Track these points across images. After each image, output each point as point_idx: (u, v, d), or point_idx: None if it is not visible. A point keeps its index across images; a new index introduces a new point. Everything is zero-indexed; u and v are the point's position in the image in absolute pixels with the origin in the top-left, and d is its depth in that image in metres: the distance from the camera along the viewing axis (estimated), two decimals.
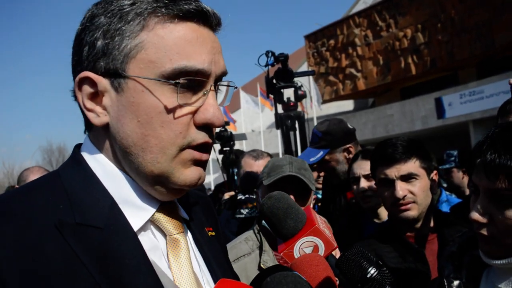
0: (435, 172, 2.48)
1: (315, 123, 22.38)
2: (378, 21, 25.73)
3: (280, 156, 3.15)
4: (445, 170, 6.21)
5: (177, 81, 0.98)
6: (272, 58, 4.14)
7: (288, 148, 4.38)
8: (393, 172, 2.36)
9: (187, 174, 1.04)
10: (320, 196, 5.19)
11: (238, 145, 22.71)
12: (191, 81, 1.00)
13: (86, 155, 1.07)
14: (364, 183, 3.00)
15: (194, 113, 1.02)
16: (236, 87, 1.16)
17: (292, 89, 4.37)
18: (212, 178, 24.70)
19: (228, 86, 1.14)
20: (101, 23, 1.00)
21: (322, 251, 1.30)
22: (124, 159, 1.03)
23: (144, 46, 0.98)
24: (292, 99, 4.39)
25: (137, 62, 0.98)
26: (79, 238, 0.93)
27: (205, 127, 1.04)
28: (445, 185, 6.15)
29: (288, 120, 4.33)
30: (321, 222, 1.37)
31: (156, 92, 0.98)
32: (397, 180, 2.35)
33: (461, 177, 6.10)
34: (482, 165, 1.43)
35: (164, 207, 1.10)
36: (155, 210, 1.07)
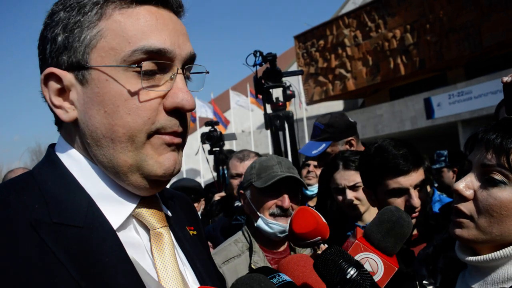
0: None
1: (305, 123, 22.44)
2: (368, 22, 25.84)
3: None
4: (436, 170, 6.25)
5: (139, 64, 0.95)
6: (260, 58, 4.10)
7: (277, 148, 4.36)
8: (408, 181, 2.37)
9: (161, 161, 1.00)
10: (310, 193, 5.19)
11: (228, 145, 22.68)
12: (155, 64, 0.97)
13: (60, 154, 1.06)
14: (350, 195, 2.99)
15: (162, 97, 0.99)
16: (207, 72, 1.12)
17: (281, 89, 4.35)
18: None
19: (199, 72, 1.11)
20: (60, 18, 0.99)
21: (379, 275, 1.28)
22: (97, 153, 1.00)
23: (103, 34, 0.96)
24: (281, 99, 4.36)
25: (98, 51, 0.96)
26: (56, 237, 0.90)
27: (175, 111, 1.00)
28: (436, 184, 6.19)
29: (277, 120, 4.30)
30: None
31: (120, 79, 0.96)
32: (411, 189, 2.36)
33: (451, 177, 6.15)
34: (485, 141, 1.43)
35: (145, 201, 1.07)
36: (135, 204, 1.04)
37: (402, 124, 22.65)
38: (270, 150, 19.85)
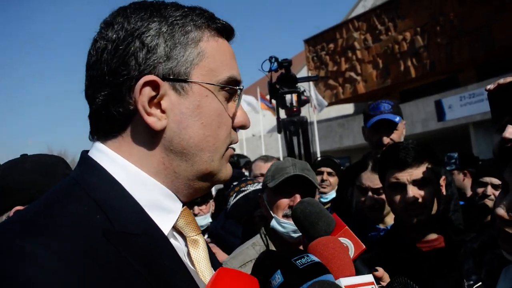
0: (443, 177, 2.49)
1: (315, 127, 22.37)
2: (377, 25, 25.77)
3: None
4: None
5: (237, 87, 1.14)
6: (276, 64, 4.14)
7: (291, 153, 4.37)
8: (405, 176, 2.34)
9: (227, 170, 1.17)
10: (324, 200, 5.21)
11: (238, 150, 22.72)
12: (233, 89, 1.14)
13: (101, 161, 1.05)
14: (372, 197, 3.03)
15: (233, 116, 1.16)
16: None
17: (294, 94, 4.38)
18: None
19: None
20: (159, 29, 1.05)
21: (352, 252, 1.32)
22: (170, 161, 1.07)
23: (204, 55, 1.08)
24: (295, 104, 4.39)
25: (200, 69, 1.07)
26: (125, 245, 0.92)
27: (238, 128, 1.18)
28: None
29: (291, 125, 4.33)
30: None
31: (218, 96, 1.10)
32: (409, 184, 2.33)
33: (462, 179, 6.10)
34: None
35: (182, 212, 1.12)
36: (179, 213, 1.10)
37: (413, 126, 22.53)
38: (280, 154, 19.82)
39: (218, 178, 1.15)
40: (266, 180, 2.62)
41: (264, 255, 1.20)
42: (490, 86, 1.83)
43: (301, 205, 1.35)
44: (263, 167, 4.09)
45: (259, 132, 27.97)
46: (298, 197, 2.49)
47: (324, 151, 21.33)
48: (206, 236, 3.64)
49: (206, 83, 1.07)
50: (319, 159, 5.88)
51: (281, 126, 4.39)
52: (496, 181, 3.96)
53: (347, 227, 1.32)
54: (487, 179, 4.06)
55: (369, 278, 1.14)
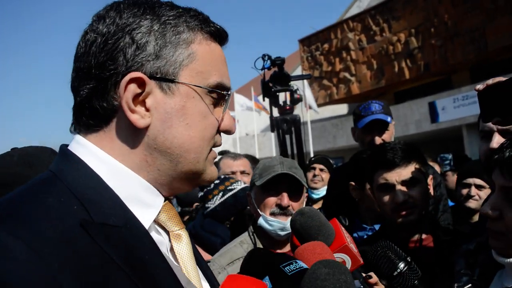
0: (430, 177, 2.48)
1: (309, 126, 22.43)
2: (372, 26, 25.85)
3: None
4: (440, 173, 6.23)
5: (225, 92, 1.14)
6: (269, 62, 4.11)
7: (284, 152, 4.37)
8: (394, 176, 2.33)
9: (212, 171, 1.17)
10: (315, 197, 5.21)
11: (232, 149, 22.71)
12: (220, 94, 1.14)
13: (82, 155, 1.04)
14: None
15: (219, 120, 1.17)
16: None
17: (287, 92, 4.37)
18: None
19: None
20: (151, 27, 1.05)
21: (348, 267, 1.32)
22: (153, 159, 1.06)
23: (195, 57, 1.08)
24: (288, 102, 4.38)
25: (189, 71, 1.07)
26: (104, 237, 0.92)
27: (223, 132, 1.19)
28: None
29: (284, 123, 4.32)
30: (348, 237, 1.39)
31: (204, 99, 1.10)
32: (398, 184, 2.32)
33: (455, 181, 6.11)
34: (499, 162, 1.50)
35: (164, 207, 1.12)
36: (159, 208, 1.09)
37: (407, 128, 22.62)
38: (274, 153, 19.86)
39: (203, 179, 1.15)
40: (254, 178, 2.62)
41: (251, 255, 1.19)
42: (480, 87, 1.87)
43: (302, 217, 1.34)
44: (233, 165, 4.07)
45: (252, 131, 27.99)
46: (285, 196, 2.49)
47: (317, 151, 21.35)
48: None
49: (194, 85, 1.07)
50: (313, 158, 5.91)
51: (274, 124, 4.38)
52: (480, 182, 3.99)
53: (346, 243, 1.31)
54: (471, 180, 4.08)
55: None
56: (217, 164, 4.37)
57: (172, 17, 1.07)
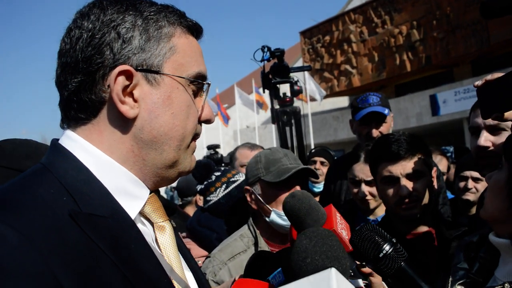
0: (434, 169, 2.45)
1: (310, 119, 22.41)
2: (374, 18, 25.74)
3: None
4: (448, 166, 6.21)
5: (207, 82, 1.21)
6: (268, 53, 4.09)
7: (284, 144, 4.36)
8: (398, 169, 2.30)
9: (192, 161, 1.23)
10: (317, 190, 5.19)
11: (233, 142, 22.69)
12: (201, 84, 1.20)
13: (71, 148, 1.09)
14: (365, 189, 3.02)
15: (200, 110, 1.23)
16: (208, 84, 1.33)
17: (288, 84, 4.35)
18: None
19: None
20: (134, 22, 1.10)
21: None
22: (139, 149, 1.11)
23: (176, 50, 1.14)
24: (288, 94, 4.36)
25: (171, 63, 1.13)
26: (92, 226, 0.96)
27: (203, 122, 1.25)
28: None
29: (284, 115, 4.30)
30: (340, 223, 1.38)
31: (187, 89, 1.16)
32: (402, 177, 2.29)
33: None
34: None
35: (149, 199, 1.17)
36: (145, 200, 1.14)
37: (408, 120, 22.59)
38: (274, 146, 19.82)
39: (182, 169, 1.20)
40: (258, 173, 2.55)
41: (255, 257, 1.20)
42: (478, 82, 1.87)
43: (292, 200, 1.35)
44: (250, 155, 3.99)
45: (253, 123, 27.97)
46: (298, 189, 2.45)
47: (318, 143, 21.32)
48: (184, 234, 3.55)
49: (177, 76, 1.13)
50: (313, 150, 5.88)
51: (274, 116, 4.36)
52: (476, 174, 3.99)
53: (334, 228, 1.31)
54: (467, 173, 4.08)
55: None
56: (233, 154, 4.38)
57: (153, 13, 1.13)
